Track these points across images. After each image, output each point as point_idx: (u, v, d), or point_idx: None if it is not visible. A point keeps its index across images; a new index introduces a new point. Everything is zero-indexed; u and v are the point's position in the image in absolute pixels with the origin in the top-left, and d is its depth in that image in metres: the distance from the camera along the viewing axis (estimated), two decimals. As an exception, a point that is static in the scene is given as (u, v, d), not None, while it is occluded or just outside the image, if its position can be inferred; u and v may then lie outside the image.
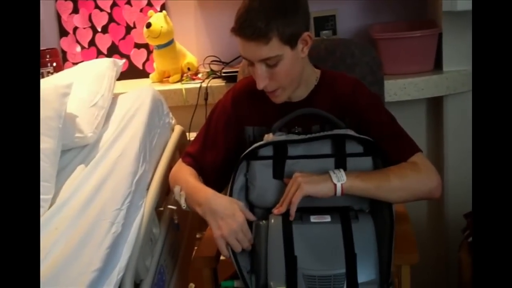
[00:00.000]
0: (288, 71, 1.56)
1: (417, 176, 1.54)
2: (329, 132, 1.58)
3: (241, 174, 1.60)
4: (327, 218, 1.51)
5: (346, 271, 1.45)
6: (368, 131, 1.60)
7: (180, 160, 1.77)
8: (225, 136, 1.71)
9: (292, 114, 1.62)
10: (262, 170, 1.58)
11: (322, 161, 1.57)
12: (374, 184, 1.51)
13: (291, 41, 1.53)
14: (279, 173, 1.57)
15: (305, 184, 1.49)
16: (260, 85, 1.57)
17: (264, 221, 1.54)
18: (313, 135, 1.59)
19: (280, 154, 1.58)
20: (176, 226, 1.85)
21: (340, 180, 1.49)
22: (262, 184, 1.58)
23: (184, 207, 1.64)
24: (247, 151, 1.59)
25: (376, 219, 1.53)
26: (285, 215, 1.52)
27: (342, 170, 1.51)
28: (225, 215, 1.54)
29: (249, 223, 1.56)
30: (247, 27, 1.49)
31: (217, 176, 1.69)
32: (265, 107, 1.67)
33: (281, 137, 1.59)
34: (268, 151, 1.59)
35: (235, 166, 1.60)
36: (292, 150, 1.58)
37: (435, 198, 1.58)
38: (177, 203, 1.72)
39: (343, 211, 1.53)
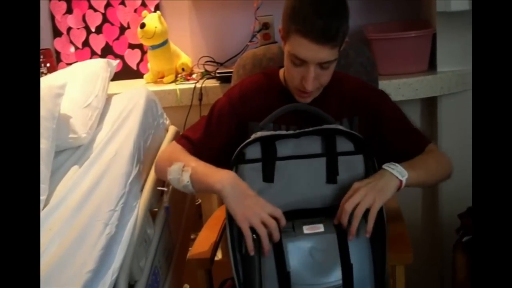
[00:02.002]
0: (330, 75, 1.58)
1: (441, 161, 1.65)
2: (319, 127, 1.56)
3: None
4: (320, 228, 1.47)
5: (343, 283, 1.43)
6: (382, 127, 1.64)
7: (174, 143, 1.69)
8: (227, 126, 1.66)
9: (279, 111, 1.60)
10: (252, 174, 1.52)
11: (313, 161, 1.54)
12: (422, 171, 1.55)
13: (342, 45, 1.55)
14: (269, 176, 1.52)
15: (378, 201, 1.45)
16: (311, 87, 1.55)
17: (254, 235, 1.45)
18: (302, 130, 1.56)
19: (269, 155, 1.53)
20: (166, 209, 1.79)
21: (403, 175, 1.49)
22: (253, 188, 1.50)
23: (186, 183, 1.53)
24: (236, 152, 1.54)
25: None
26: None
27: (397, 164, 1.51)
28: (248, 195, 1.47)
29: (241, 236, 1.48)
30: (322, 30, 1.47)
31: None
32: (273, 105, 1.64)
33: (268, 132, 1.56)
34: (257, 154, 1.54)
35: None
36: (281, 150, 1.54)
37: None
38: (168, 185, 1.65)
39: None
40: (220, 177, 1.49)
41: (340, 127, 1.57)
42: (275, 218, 1.45)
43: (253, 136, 1.55)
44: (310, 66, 1.52)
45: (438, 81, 2.22)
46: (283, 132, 1.57)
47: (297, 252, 1.44)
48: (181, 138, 1.69)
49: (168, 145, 1.72)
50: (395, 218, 1.76)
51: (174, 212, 1.90)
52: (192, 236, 2.17)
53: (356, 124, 1.65)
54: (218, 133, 1.66)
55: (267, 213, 1.44)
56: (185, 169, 1.54)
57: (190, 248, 1.99)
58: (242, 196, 1.46)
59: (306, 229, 1.46)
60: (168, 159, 1.63)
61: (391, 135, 1.64)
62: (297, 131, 1.56)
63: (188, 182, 1.53)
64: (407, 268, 1.65)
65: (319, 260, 1.44)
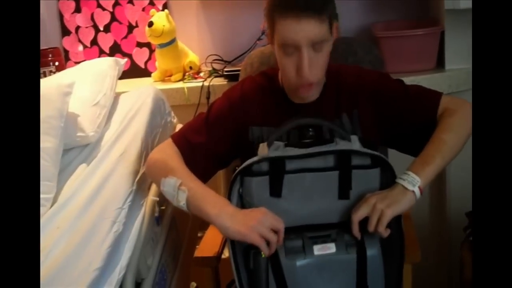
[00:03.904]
0: (326, 61, 1.51)
1: (458, 117, 1.52)
2: (332, 148, 1.44)
3: (235, 190, 1.47)
4: (332, 248, 1.40)
5: None
6: (390, 108, 1.57)
7: (171, 144, 1.62)
8: (227, 132, 1.62)
9: (284, 128, 1.49)
10: (259, 188, 1.45)
11: (325, 175, 1.45)
12: (439, 157, 1.45)
13: (331, 29, 1.49)
14: (277, 191, 1.44)
15: (388, 209, 1.38)
16: (307, 71, 1.46)
17: (262, 253, 1.40)
18: (314, 150, 1.44)
19: (277, 169, 1.44)
20: (156, 220, 1.74)
21: (415, 184, 1.40)
22: (260, 203, 1.44)
23: (182, 205, 1.49)
24: (241, 167, 1.46)
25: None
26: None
27: (409, 172, 1.42)
28: (246, 212, 1.43)
29: (247, 251, 1.45)
30: (305, 2, 1.42)
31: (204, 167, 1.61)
32: (276, 108, 1.60)
33: (277, 151, 1.44)
34: (264, 166, 1.45)
35: (230, 183, 1.48)
36: (291, 163, 1.44)
37: None
38: (160, 195, 1.61)
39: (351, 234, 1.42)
40: (219, 210, 1.44)
41: (356, 147, 1.45)
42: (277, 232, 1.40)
43: (260, 152, 1.46)
44: (302, 49, 1.45)
45: (446, 79, 2.21)
46: (293, 153, 1.45)
47: (306, 273, 1.39)
48: (180, 139, 1.63)
49: (165, 144, 1.65)
50: (403, 217, 1.76)
51: (181, 211, 1.90)
52: (199, 234, 2.18)
53: (357, 118, 1.59)
54: (218, 138, 1.61)
55: (267, 227, 1.39)
56: (182, 188, 1.48)
57: (197, 246, 2.00)
58: (241, 217, 1.42)
59: (317, 250, 1.41)
60: (164, 166, 1.56)
61: (402, 113, 1.57)
62: (309, 151, 1.44)
63: (184, 204, 1.49)
64: (414, 266, 1.64)
65: (330, 281, 1.40)
